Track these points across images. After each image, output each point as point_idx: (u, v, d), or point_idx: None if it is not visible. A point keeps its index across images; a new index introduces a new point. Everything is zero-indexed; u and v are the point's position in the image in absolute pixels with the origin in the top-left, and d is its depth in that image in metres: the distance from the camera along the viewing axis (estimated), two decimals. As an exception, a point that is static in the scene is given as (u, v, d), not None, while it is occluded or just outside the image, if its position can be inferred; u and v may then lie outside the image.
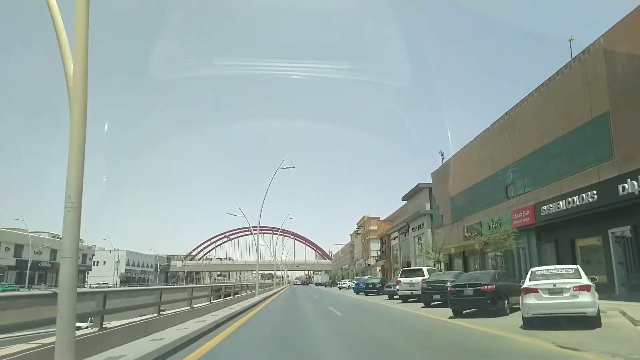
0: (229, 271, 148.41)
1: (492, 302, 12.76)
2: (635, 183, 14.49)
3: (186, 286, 13.63)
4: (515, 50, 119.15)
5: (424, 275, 21.54)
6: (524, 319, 10.00)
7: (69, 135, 3.95)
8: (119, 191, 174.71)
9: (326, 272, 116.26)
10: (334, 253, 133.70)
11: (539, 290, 9.57)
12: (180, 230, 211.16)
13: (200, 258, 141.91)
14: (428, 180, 41.72)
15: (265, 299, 27.95)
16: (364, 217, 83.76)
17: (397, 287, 22.67)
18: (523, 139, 23.08)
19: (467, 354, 7.61)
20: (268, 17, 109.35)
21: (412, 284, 21.60)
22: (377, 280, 36.59)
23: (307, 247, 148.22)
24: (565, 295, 9.29)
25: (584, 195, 17.30)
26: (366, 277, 46.86)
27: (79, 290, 4.85)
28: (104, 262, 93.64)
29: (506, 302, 13.12)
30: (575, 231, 19.35)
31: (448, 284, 17.00)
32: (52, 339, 4.25)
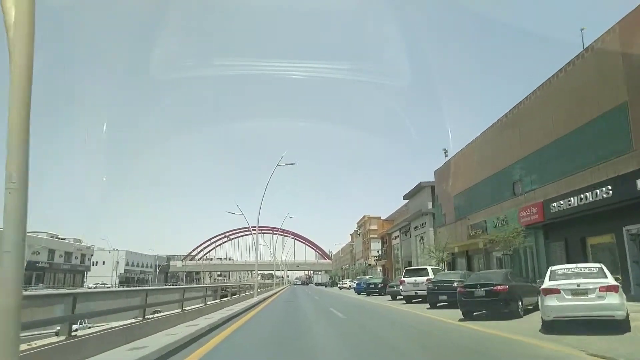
0: (229, 271, 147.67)
1: (505, 303, 11.95)
2: (655, 177, 13.70)
3: (177, 287, 12.82)
4: (515, 50, 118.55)
5: (428, 275, 20.74)
6: (543, 322, 9.20)
7: (9, 97, 3.15)
8: (119, 191, 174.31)
9: (326, 272, 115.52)
10: (334, 253, 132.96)
11: (561, 290, 8.77)
12: (180, 230, 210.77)
13: (200, 258, 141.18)
14: (428, 179, 41.09)
15: (264, 299, 27.17)
16: (364, 217, 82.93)
17: (401, 287, 21.88)
18: (531, 134, 22.25)
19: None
20: (268, 17, 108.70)
21: (416, 284, 20.82)
22: (379, 280, 35.75)
23: (307, 247, 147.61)
24: (590, 296, 8.49)
25: (597, 191, 16.50)
26: (367, 277, 46.00)
27: (46, 292, 4.09)
28: (103, 263, 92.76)
29: (519, 303, 12.30)
30: (586, 229, 18.53)
31: (455, 284, 16.30)
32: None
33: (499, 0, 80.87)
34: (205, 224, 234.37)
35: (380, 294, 31.47)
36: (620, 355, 6.33)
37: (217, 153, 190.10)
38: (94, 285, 74.84)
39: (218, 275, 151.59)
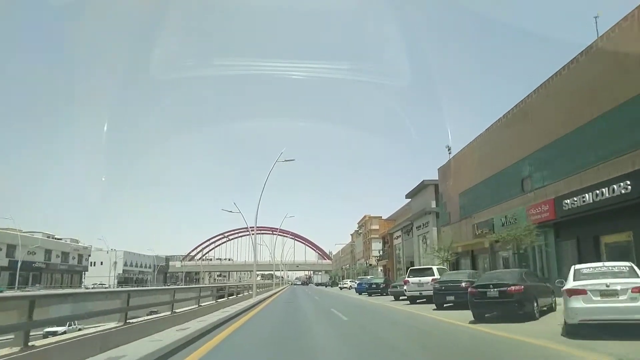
0: (229, 271, 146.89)
1: (521, 305, 11.12)
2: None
3: (166, 287, 11.98)
4: (515, 50, 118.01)
5: (434, 275, 19.96)
6: (567, 325, 8.37)
7: None
8: (119, 191, 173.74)
9: (326, 272, 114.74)
10: (334, 253, 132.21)
11: (588, 291, 7.93)
12: (179, 230, 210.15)
13: (200, 258, 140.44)
14: (428, 179, 40.21)
15: (263, 300, 26.37)
16: (365, 217, 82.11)
17: (405, 287, 21.07)
18: (542, 128, 21.36)
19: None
20: (268, 17, 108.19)
21: (420, 284, 20.03)
22: (380, 280, 34.92)
23: (307, 247, 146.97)
24: (621, 298, 7.65)
25: (615, 186, 15.64)
26: (369, 277, 45.12)
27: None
28: (101, 263, 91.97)
29: (535, 304, 11.48)
30: (601, 227, 17.68)
31: (463, 284, 15.61)
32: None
33: (499, 0, 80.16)
34: (204, 224, 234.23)
35: (382, 295, 30.68)
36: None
37: (217, 153, 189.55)
38: (92, 286, 74.00)
39: (218, 276, 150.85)
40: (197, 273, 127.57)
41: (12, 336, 4.44)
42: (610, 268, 8.56)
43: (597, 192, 16.58)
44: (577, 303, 7.98)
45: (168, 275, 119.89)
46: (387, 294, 29.30)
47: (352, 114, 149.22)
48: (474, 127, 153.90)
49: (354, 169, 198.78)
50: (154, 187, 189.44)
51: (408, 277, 21.09)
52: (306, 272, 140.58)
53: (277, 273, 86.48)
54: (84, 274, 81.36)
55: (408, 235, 48.64)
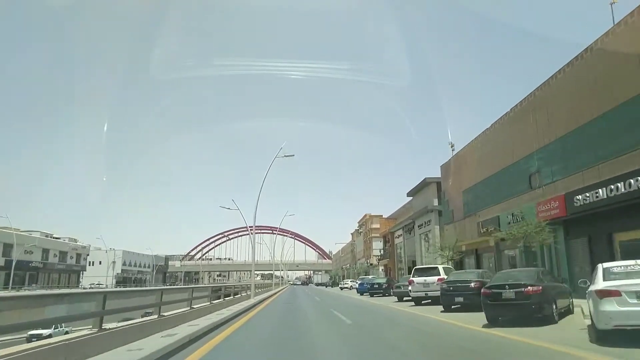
0: (228, 271, 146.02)
1: (539, 307, 10.24)
2: None
3: (153, 288, 11.10)
4: (515, 50, 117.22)
5: (440, 275, 19.07)
6: (598, 331, 7.49)
7: None
8: (119, 191, 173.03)
9: (326, 272, 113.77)
10: (334, 253, 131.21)
11: (622, 293, 7.06)
12: (179, 230, 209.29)
13: (199, 258, 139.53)
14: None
15: (262, 301, 25.50)
16: (365, 215, 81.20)
17: (409, 287, 20.16)
18: (552, 121, 20.45)
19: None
20: (268, 17, 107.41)
21: (426, 284, 19.15)
22: (383, 280, 33.98)
23: (306, 246, 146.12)
24: (661, 300, 6.79)
25: (631, 180, 14.77)
26: (370, 276, 44.20)
27: None
28: (100, 262, 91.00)
29: (554, 307, 10.61)
30: (614, 224, 16.84)
31: (472, 284, 14.80)
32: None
33: (499, 0, 79.35)
34: (204, 224, 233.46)
35: (384, 295, 29.80)
36: None
37: (217, 153, 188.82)
38: (90, 286, 73.16)
39: (217, 276, 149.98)
40: (196, 273, 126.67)
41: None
42: (644, 267, 7.70)
43: (612, 187, 15.71)
44: (610, 306, 7.11)
45: (167, 275, 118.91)
46: (389, 295, 28.43)
47: (352, 114, 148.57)
48: (474, 127, 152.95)
49: (354, 168, 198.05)
50: (154, 187, 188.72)
51: (413, 276, 20.19)
52: (306, 272, 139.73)
53: (277, 273, 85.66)
54: (82, 274, 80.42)
55: (410, 234, 47.78)
